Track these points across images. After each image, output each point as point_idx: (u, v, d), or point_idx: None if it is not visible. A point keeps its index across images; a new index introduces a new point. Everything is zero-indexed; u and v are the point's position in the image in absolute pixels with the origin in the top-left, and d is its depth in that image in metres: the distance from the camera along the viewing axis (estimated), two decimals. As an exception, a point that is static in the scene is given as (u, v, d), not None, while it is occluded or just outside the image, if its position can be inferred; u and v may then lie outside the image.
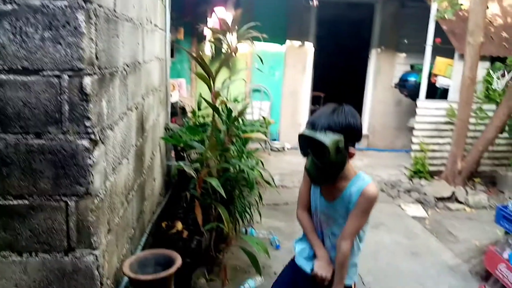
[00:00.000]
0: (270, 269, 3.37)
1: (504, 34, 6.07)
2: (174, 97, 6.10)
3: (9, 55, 1.56)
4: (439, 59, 6.11)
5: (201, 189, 2.52)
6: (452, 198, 5.24)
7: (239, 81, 6.15)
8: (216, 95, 2.20)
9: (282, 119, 7.35)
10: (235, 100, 3.37)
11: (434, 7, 5.73)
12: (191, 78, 6.87)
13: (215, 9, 5.93)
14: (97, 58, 1.73)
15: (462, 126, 5.28)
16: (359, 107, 7.95)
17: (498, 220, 3.17)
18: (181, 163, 2.66)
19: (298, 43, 7.04)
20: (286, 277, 2.03)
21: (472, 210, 5.04)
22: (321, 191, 1.87)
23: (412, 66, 7.11)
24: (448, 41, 5.79)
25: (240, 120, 3.38)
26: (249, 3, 6.25)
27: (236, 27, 4.04)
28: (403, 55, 7.42)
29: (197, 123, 4.01)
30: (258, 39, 4.10)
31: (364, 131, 7.77)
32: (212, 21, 5.92)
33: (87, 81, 1.63)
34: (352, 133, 1.68)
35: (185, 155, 3.58)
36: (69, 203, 1.71)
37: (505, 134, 5.45)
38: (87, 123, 1.67)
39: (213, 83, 2.25)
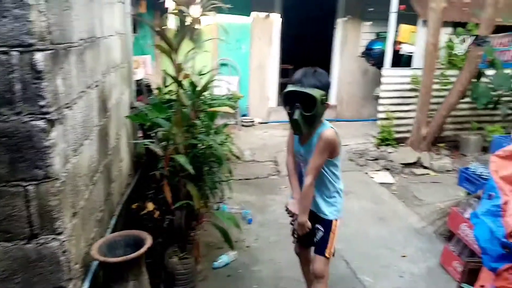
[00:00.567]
0: (243, 243, 3.40)
1: (466, 0, 6.17)
2: (139, 75, 5.91)
3: None
4: (403, 27, 6.16)
5: (169, 167, 2.47)
6: (418, 163, 5.41)
7: (205, 55, 6.02)
8: (178, 68, 2.12)
9: (251, 94, 7.29)
10: (200, 74, 3.28)
11: (397, -27, 5.73)
12: (156, 54, 6.66)
13: (177, -20, 5.71)
14: (49, 32, 1.62)
15: (426, 93, 5.40)
16: (326, 78, 7.97)
17: (461, 182, 3.30)
18: (147, 142, 2.59)
19: (264, 14, 6.91)
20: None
21: (437, 174, 5.23)
22: (299, 138, 2.27)
23: (377, 35, 7.14)
24: (412, 8, 5.83)
25: (206, 94, 3.31)
26: (211, -27, 6.04)
27: (198, -2, 3.91)
28: (369, 23, 7.44)
29: (164, 100, 3.89)
30: (222, 10, 3.99)
31: (332, 101, 7.83)
32: (174, -7, 5.71)
33: (39, 57, 1.54)
34: (328, 88, 2.12)
35: (152, 133, 3.50)
36: (28, 188, 1.64)
37: (467, 99, 5.62)
38: (42, 103, 1.58)
39: (176, 56, 2.17)
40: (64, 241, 1.77)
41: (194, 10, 3.75)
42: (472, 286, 2.03)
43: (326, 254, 2.27)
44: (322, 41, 8.96)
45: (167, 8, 6.05)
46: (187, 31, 2.37)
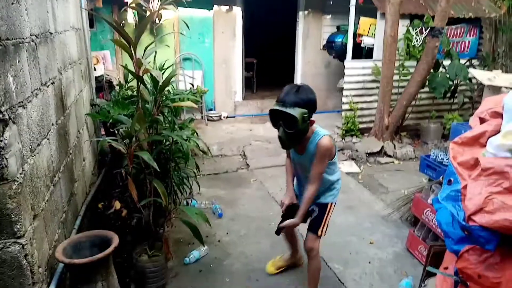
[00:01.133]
0: (214, 237, 3.38)
1: (421, -7, 6.35)
2: (99, 71, 5.73)
3: None
4: (363, 19, 6.28)
5: (134, 164, 2.41)
6: (382, 152, 5.56)
7: (167, 50, 5.90)
8: (138, 63, 2.06)
9: (217, 88, 7.23)
10: (161, 69, 3.21)
11: (356, -33, 5.82)
12: (116, 49, 6.46)
13: (135, -27, 5.55)
14: (-5, 28, 1.54)
15: (387, 83, 5.54)
16: (291, 71, 8.04)
17: (423, 169, 3.41)
18: (108, 139, 2.51)
19: (226, 7, 6.85)
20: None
21: (400, 162, 5.39)
22: (295, 149, 2.43)
23: (338, 28, 7.25)
24: (371, 1, 5.95)
25: (169, 89, 3.25)
26: (171, -34, 5.92)
27: (158, -9, 3.81)
28: (330, 16, 7.53)
29: (126, 96, 3.79)
30: (182, 4, 3.92)
31: (297, 94, 7.89)
32: (132, -13, 5.55)
33: (-15, 53, 1.45)
34: (312, 106, 2.21)
35: (115, 131, 3.40)
36: (-18, 191, 1.55)
37: (426, 89, 5.81)
38: (-8, 102, 1.49)
39: (134, 50, 2.10)
40: (25, 244, 1.69)
41: (153, 4, 3.67)
42: (437, 269, 2.11)
43: (319, 233, 2.46)
44: (285, 34, 9.02)
45: (126, 2, 5.91)
46: (146, 25, 2.30)
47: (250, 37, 8.36)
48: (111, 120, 3.41)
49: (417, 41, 5.90)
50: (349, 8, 5.93)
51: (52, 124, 2.36)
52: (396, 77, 5.76)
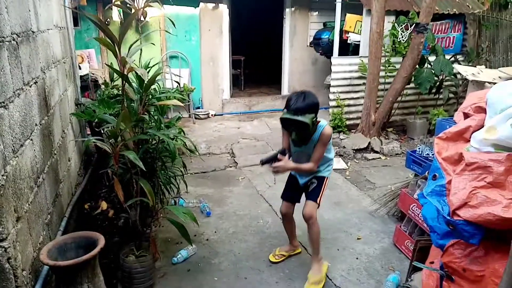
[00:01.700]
0: (202, 236, 3.37)
1: (406, -11, 6.40)
2: (84, 70, 5.66)
3: None
4: (349, 16, 6.31)
5: (120, 164, 2.39)
6: (369, 148, 5.60)
7: (153, 48, 5.86)
8: (122, 61, 2.03)
9: (204, 86, 7.19)
10: (147, 67, 3.18)
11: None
12: (101, 48, 6.38)
13: (119, -30, 5.48)
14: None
15: (373, 80, 5.57)
16: (278, 68, 8.05)
17: (409, 165, 3.44)
18: (93, 139, 2.48)
19: (212, 5, 6.81)
20: (288, 181, 3.02)
21: (387, 158, 5.43)
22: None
23: (325, 24, 7.26)
24: (357, -2, 5.98)
25: (155, 87, 3.22)
26: (156, -37, 5.86)
27: (142, -11, 3.78)
28: (316, 13, 7.55)
29: (111, 95, 3.75)
30: (168, 1, 3.89)
31: (285, 91, 7.91)
32: (117, -16, 5.48)
33: (-36, 53, 1.41)
34: (317, 108, 2.53)
35: (101, 130, 3.36)
36: (-38, 194, 1.52)
37: (412, 85, 5.86)
38: (-28, 102, 1.46)
39: (119, 49, 2.08)
40: (7, 247, 1.66)
41: (138, 1, 3.64)
42: (423, 264, 2.13)
43: (317, 201, 2.74)
44: (273, 31, 9.01)
45: (111, 0, 5.84)
46: (130, 23, 2.27)
47: (238, 35, 8.35)
48: (96, 120, 3.38)
49: (402, 37, 5.95)
50: (335, 5, 5.96)
51: (36, 125, 2.32)
52: (382, 73, 5.80)
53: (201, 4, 6.74)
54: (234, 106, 7.58)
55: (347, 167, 5.08)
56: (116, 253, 2.68)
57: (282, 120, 2.56)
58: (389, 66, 5.97)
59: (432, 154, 3.10)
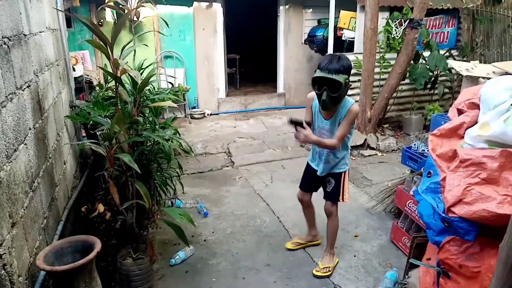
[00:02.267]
0: (200, 236, 3.37)
1: (400, -15, 6.40)
2: (78, 71, 5.64)
3: None
4: (343, 13, 6.30)
5: (115, 167, 2.38)
6: (365, 145, 5.60)
7: (147, 48, 5.83)
8: (115, 63, 2.02)
9: (199, 85, 7.17)
10: (140, 68, 3.16)
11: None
12: (95, 49, 6.36)
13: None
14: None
15: (368, 76, 5.57)
16: (273, 66, 8.03)
17: (404, 161, 3.45)
18: (87, 142, 2.47)
19: (206, 4, 6.79)
20: (306, 172, 3.04)
21: (383, 154, 5.44)
22: (322, 114, 2.69)
23: (319, 21, 7.25)
24: (351, -6, 5.98)
25: (150, 88, 3.21)
26: (148, -37, 5.83)
27: (135, -11, 3.76)
28: (310, 10, 7.54)
29: (106, 97, 3.74)
30: (161, 1, 3.88)
31: (280, 89, 7.90)
32: (110, -15, 5.45)
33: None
34: (350, 71, 2.50)
35: (96, 132, 3.35)
36: (-44, 201, 1.51)
37: (407, 80, 5.87)
38: (-37, 109, 1.45)
39: (111, 51, 2.07)
40: (3, 254, 1.65)
41: (131, 2, 3.62)
42: (420, 261, 2.14)
43: (340, 200, 2.80)
44: (267, 29, 9.00)
45: (104, 0, 5.81)
46: (123, 24, 2.26)
47: (232, 34, 8.32)
48: (91, 122, 3.37)
49: (396, 33, 5.95)
50: (329, 2, 5.95)
51: (30, 129, 2.31)
52: (377, 70, 5.80)
53: (195, 3, 6.72)
54: (230, 105, 7.57)
55: (344, 164, 5.08)
56: (113, 256, 2.67)
57: (315, 79, 2.49)
58: (383, 62, 5.97)
59: (428, 150, 3.11)
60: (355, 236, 3.38)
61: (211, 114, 7.26)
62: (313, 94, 2.68)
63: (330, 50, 6.05)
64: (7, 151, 1.84)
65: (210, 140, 5.86)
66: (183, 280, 2.82)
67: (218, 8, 6.91)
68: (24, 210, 2.02)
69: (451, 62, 5.29)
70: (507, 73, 4.06)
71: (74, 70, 4.99)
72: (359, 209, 3.85)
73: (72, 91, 4.09)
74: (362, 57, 5.64)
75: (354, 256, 3.09)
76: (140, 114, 2.57)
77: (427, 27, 6.32)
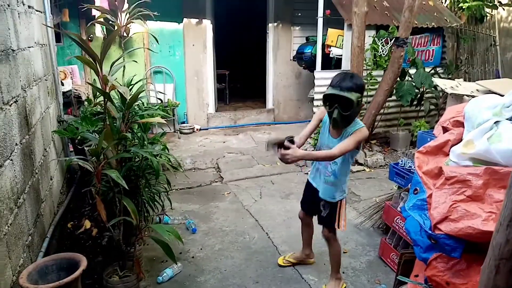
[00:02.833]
0: (188, 253, 3.33)
1: (386, 3, 6.56)
2: (67, 86, 5.60)
3: None
4: (331, 30, 6.41)
5: (103, 182, 2.36)
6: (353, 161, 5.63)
7: (137, 64, 5.84)
8: (104, 79, 2.03)
9: (189, 101, 7.19)
10: (129, 84, 3.17)
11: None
12: (84, 64, 6.34)
13: (102, -13, 5.48)
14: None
15: (357, 93, 5.63)
16: (263, 82, 8.10)
17: (392, 177, 3.48)
18: (75, 158, 2.45)
19: (195, 20, 6.86)
20: (306, 190, 2.96)
21: (371, 170, 5.49)
22: (330, 132, 2.62)
23: (307, 39, 7.36)
24: (338, 13, 6.09)
25: (139, 104, 3.21)
26: (139, -20, 5.89)
27: (126, 5, 3.79)
28: (299, 28, 7.65)
29: (94, 112, 3.72)
30: (151, 17, 3.91)
31: (269, 105, 7.96)
32: (100, 0, 5.48)
33: None
34: (363, 91, 2.43)
35: (84, 148, 3.32)
36: None
37: (394, 97, 5.96)
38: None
39: (100, 67, 2.07)
40: (-15, 273, 1.62)
41: (121, 18, 3.64)
42: (407, 278, 2.15)
43: (335, 227, 2.70)
44: (256, 46, 9.10)
45: (94, 16, 5.84)
46: (113, 40, 2.27)
47: (222, 50, 8.39)
48: (79, 137, 3.34)
49: (383, 51, 6.06)
50: (317, 20, 6.05)
51: (16, 144, 2.29)
52: (364, 87, 5.87)
53: (185, 19, 6.78)
54: (219, 120, 7.58)
55: (332, 180, 5.10)
56: (99, 273, 2.63)
57: (326, 96, 2.42)
58: (371, 79, 6.06)
59: (414, 167, 3.15)
60: (344, 252, 3.38)
61: (200, 129, 7.26)
62: (324, 110, 2.61)
63: (318, 67, 6.13)
64: (-8, 168, 1.82)
65: (199, 155, 5.85)
66: (170, 298, 2.78)
67: (208, 24, 6.98)
68: (8, 227, 1.99)
69: (436, 80, 5.40)
70: (490, 92, 4.16)
71: (62, 84, 4.97)
72: (348, 225, 3.82)
73: (60, 106, 4.07)
74: (350, 74, 5.71)
75: (343, 272, 3.09)
76: (129, 130, 2.56)
77: (412, 45, 6.46)
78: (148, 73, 6.60)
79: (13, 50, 2.40)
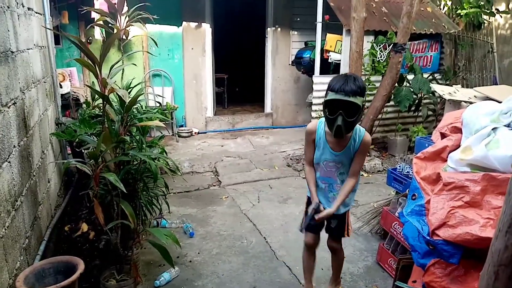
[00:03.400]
0: (185, 257, 3.32)
1: (384, 9, 6.59)
2: (65, 88, 5.60)
3: None
4: (330, 36, 6.43)
5: (100, 186, 2.35)
6: (351, 165, 5.64)
7: (136, 67, 5.85)
8: (103, 82, 2.03)
9: (187, 104, 7.19)
10: (128, 87, 3.17)
11: (321, -15, 5.98)
12: (83, 66, 6.34)
13: (101, -10, 5.49)
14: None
15: (355, 98, 5.65)
16: (261, 86, 8.11)
17: (390, 182, 3.48)
18: (73, 161, 2.44)
19: (195, 24, 6.87)
20: (312, 209, 2.59)
21: (369, 175, 5.49)
22: (330, 147, 2.42)
23: (306, 43, 7.39)
24: (337, 18, 6.12)
25: (138, 107, 3.21)
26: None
27: (125, 8, 3.80)
28: (297, 32, 7.68)
29: (93, 114, 3.71)
30: (150, 20, 3.92)
31: (268, 109, 7.97)
32: (99, 3, 5.49)
33: None
34: (365, 92, 2.28)
35: (82, 150, 3.32)
36: None
37: (392, 102, 5.98)
38: None
39: (99, 69, 2.07)
40: (-18, 276, 1.61)
41: (121, 21, 3.66)
42: (405, 283, 2.15)
43: (345, 236, 2.63)
44: (255, 50, 9.13)
45: (93, 18, 5.85)
46: (112, 43, 2.27)
47: (221, 53, 8.41)
48: (77, 140, 3.34)
49: (381, 56, 6.09)
50: (316, 25, 6.08)
51: (14, 146, 2.28)
52: (363, 92, 5.88)
53: (184, 23, 6.80)
54: (217, 124, 7.59)
55: (330, 185, 5.11)
56: (96, 277, 2.62)
57: (329, 102, 2.20)
58: (369, 84, 6.08)
59: (412, 172, 3.15)
60: (342, 257, 3.38)
61: (198, 133, 7.26)
62: (313, 126, 2.47)
63: (316, 72, 6.15)
64: (-10, 170, 1.81)
65: (197, 159, 5.84)
66: (167, 302, 2.76)
67: (207, 28, 7.00)
68: (5, 230, 1.98)
69: (434, 86, 5.42)
70: (488, 98, 4.18)
71: (61, 87, 4.96)
72: (345, 230, 3.85)
73: (58, 108, 4.07)
74: (348, 79, 5.73)
75: (341, 277, 3.08)
76: (127, 133, 2.56)
77: (411, 51, 6.48)
78: (147, 76, 6.61)
79: (12, 52, 2.39)
